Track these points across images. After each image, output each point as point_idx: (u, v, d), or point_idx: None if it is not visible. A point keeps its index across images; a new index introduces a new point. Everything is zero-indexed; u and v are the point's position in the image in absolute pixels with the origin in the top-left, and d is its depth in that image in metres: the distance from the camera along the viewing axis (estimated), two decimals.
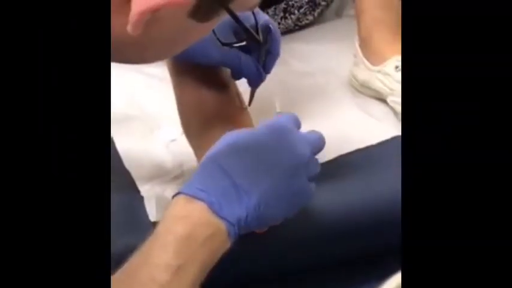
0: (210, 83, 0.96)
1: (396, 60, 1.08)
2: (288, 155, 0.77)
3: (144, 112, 1.13)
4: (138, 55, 0.72)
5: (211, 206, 0.72)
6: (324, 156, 0.98)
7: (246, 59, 0.93)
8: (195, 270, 0.71)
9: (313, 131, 0.82)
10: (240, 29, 0.83)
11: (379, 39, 1.11)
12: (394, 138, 1.00)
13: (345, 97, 1.14)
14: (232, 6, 0.67)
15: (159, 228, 0.72)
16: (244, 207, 0.73)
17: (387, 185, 0.87)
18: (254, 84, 0.96)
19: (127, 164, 1.01)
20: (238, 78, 0.97)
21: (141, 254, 0.71)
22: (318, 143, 0.81)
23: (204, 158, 0.78)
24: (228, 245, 0.74)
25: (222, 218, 0.72)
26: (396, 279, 0.60)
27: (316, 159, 0.80)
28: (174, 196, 0.75)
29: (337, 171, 0.93)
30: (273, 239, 0.83)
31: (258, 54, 0.94)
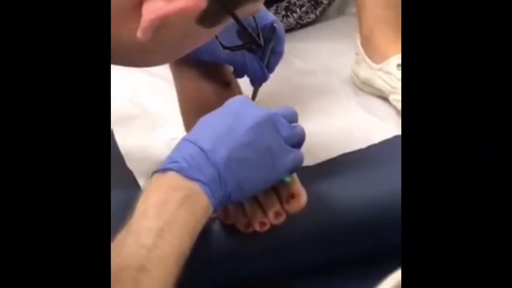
0: (212, 81, 0.96)
1: (398, 58, 1.08)
2: (251, 114, 0.79)
3: (146, 110, 1.13)
4: (145, 59, 0.74)
5: (181, 171, 0.74)
6: (326, 154, 0.98)
7: (250, 58, 0.94)
8: (179, 232, 0.72)
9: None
10: (242, 31, 0.83)
11: (380, 37, 1.11)
12: (396, 137, 1.00)
13: (347, 95, 1.14)
14: (237, 12, 0.70)
15: (138, 201, 0.74)
16: (212, 166, 0.75)
17: (389, 183, 0.86)
18: (257, 82, 0.97)
19: (128, 162, 1.01)
20: (241, 76, 0.98)
21: (124, 229, 0.72)
22: (288, 110, 0.83)
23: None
24: (208, 205, 0.75)
25: (193, 179, 0.74)
26: (395, 277, 0.60)
27: (293, 126, 0.82)
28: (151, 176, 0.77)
29: (338, 170, 0.93)
30: (273, 238, 0.83)
31: (262, 53, 0.95)
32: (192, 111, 0.97)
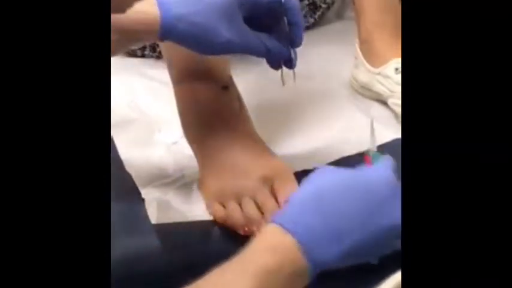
0: (210, 85, 0.96)
1: (396, 62, 1.08)
2: (387, 217, 0.70)
3: (144, 114, 1.13)
4: None
5: (303, 245, 0.68)
6: (325, 158, 0.98)
7: (269, 41, 0.88)
8: None
9: None
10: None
11: (379, 41, 1.11)
12: (394, 140, 1.01)
13: (346, 99, 1.14)
14: None
15: (245, 252, 0.68)
16: (332, 256, 0.69)
17: None
18: (287, 62, 0.90)
19: (128, 166, 1.01)
20: (274, 63, 0.91)
21: (217, 273, 0.66)
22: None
23: (305, 184, 0.73)
24: (305, 284, 0.69)
25: (308, 260, 0.68)
26: (395, 278, 0.60)
27: None
28: (267, 223, 0.71)
29: None
30: None
31: (278, 32, 0.89)
32: (191, 115, 0.97)
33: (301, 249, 0.67)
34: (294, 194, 0.71)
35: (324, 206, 0.69)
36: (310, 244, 0.67)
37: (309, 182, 0.72)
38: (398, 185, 0.71)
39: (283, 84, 0.92)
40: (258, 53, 0.88)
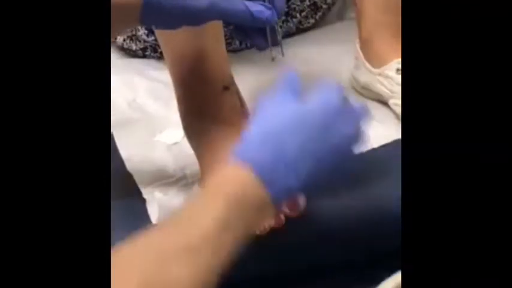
0: (211, 85, 0.96)
1: (397, 62, 1.08)
2: (339, 134, 0.75)
3: (146, 115, 1.13)
4: None
5: (262, 177, 0.71)
6: None
7: (251, 5, 0.84)
8: (241, 230, 0.70)
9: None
10: None
11: (380, 41, 1.11)
12: (395, 141, 1.01)
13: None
14: None
15: (209, 183, 0.72)
16: (291, 184, 0.72)
17: (389, 188, 0.87)
18: (267, 23, 0.85)
19: (129, 167, 1.01)
20: (257, 29, 0.87)
21: (187, 207, 0.70)
22: (363, 115, 0.80)
23: (251, 125, 0.76)
24: (272, 213, 0.74)
25: (269, 192, 0.71)
26: (396, 278, 0.61)
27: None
28: (226, 159, 0.74)
29: None
30: (272, 241, 0.84)
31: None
32: (192, 115, 0.97)
33: (260, 181, 0.71)
34: (244, 134, 0.75)
35: (274, 139, 0.73)
36: (268, 176, 0.71)
37: (257, 121, 0.75)
38: (342, 104, 0.76)
39: (272, 59, 0.90)
40: (243, 17, 0.85)
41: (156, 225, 0.70)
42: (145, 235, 0.65)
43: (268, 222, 0.76)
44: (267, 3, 0.84)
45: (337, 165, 0.75)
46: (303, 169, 0.73)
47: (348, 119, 0.77)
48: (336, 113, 0.76)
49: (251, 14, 0.84)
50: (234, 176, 0.72)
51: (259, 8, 0.84)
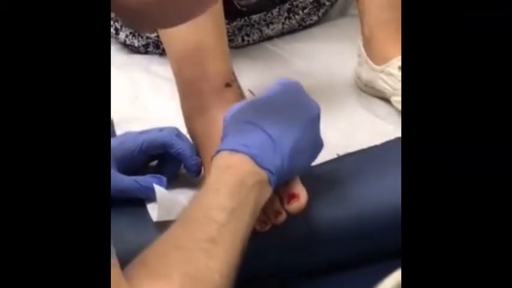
0: (213, 82, 0.96)
1: (399, 60, 1.08)
2: (306, 108, 0.83)
3: (149, 112, 1.13)
4: (161, 14, 0.69)
5: (254, 157, 0.77)
6: (327, 155, 0.98)
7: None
8: (247, 214, 0.75)
9: None
10: None
11: (382, 39, 1.11)
12: (397, 139, 1.00)
13: (349, 97, 1.14)
14: None
15: (209, 180, 0.77)
16: (279, 157, 0.78)
17: (390, 185, 0.87)
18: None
19: None
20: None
21: (193, 203, 0.76)
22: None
23: (226, 118, 0.83)
24: (269, 193, 0.79)
25: (263, 168, 0.77)
26: (395, 277, 0.60)
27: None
28: (214, 155, 0.79)
29: (340, 171, 0.94)
30: (273, 238, 0.84)
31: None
32: (193, 112, 0.97)
33: (254, 161, 0.77)
34: (225, 127, 0.82)
35: (253, 121, 0.80)
36: (260, 155, 0.77)
37: (228, 113, 0.83)
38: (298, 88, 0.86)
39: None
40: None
41: (175, 222, 0.75)
42: (170, 233, 0.72)
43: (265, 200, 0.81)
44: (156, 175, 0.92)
45: (311, 136, 0.83)
46: (286, 147, 0.79)
47: (304, 93, 0.85)
48: (297, 91, 0.85)
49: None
50: (231, 164, 0.77)
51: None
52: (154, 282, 0.67)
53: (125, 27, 1.27)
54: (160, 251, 0.70)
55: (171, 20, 0.72)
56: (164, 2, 0.67)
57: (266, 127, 0.79)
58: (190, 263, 0.69)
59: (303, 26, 1.33)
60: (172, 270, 0.68)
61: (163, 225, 0.88)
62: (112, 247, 0.63)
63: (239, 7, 1.21)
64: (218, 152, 0.79)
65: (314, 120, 0.84)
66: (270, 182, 0.78)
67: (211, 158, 0.80)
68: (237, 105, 0.84)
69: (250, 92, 0.99)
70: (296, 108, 0.83)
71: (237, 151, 0.78)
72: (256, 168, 0.77)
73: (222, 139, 0.81)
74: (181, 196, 0.94)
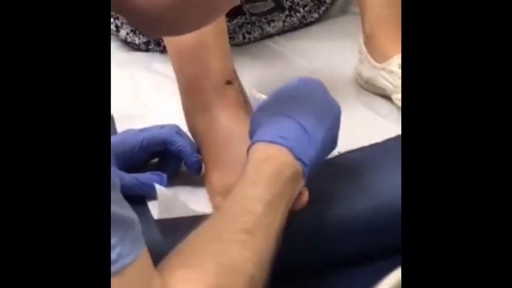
0: (214, 80, 0.96)
1: (400, 57, 1.08)
2: (331, 107, 0.86)
3: (150, 110, 1.13)
4: (176, 21, 0.69)
5: (291, 149, 0.79)
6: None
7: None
8: (283, 205, 0.76)
9: None
10: None
11: (383, 36, 1.11)
12: (398, 136, 1.00)
13: (350, 94, 1.14)
14: None
15: (247, 171, 0.78)
16: (313, 150, 0.81)
17: (390, 183, 0.87)
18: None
19: None
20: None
21: (232, 194, 0.76)
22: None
23: (256, 112, 0.85)
24: (302, 185, 0.81)
25: (299, 159, 0.79)
26: (395, 276, 0.60)
27: None
28: (250, 146, 0.81)
29: (340, 168, 0.94)
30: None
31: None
32: (194, 109, 0.97)
33: (291, 153, 0.78)
34: (255, 119, 0.83)
35: (288, 114, 0.81)
36: (297, 147, 0.79)
37: (259, 111, 0.85)
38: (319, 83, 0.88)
39: None
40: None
41: (213, 215, 0.76)
42: (207, 226, 0.72)
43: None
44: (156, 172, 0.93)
45: (333, 134, 0.85)
46: (318, 140, 0.81)
47: (328, 92, 0.87)
48: (322, 89, 0.87)
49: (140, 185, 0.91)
50: (269, 156, 0.78)
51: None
52: (188, 271, 0.67)
53: (126, 24, 1.27)
54: (196, 242, 0.71)
55: (188, 25, 0.71)
56: (183, 7, 0.66)
57: (300, 119, 0.81)
58: (226, 253, 0.69)
59: (303, 24, 1.33)
60: (206, 260, 0.68)
61: (163, 223, 0.88)
62: (140, 234, 0.63)
63: (249, 14, 1.20)
64: (254, 143, 0.80)
65: (337, 120, 0.86)
66: (303, 173, 0.79)
67: (247, 149, 0.81)
68: (268, 99, 0.86)
69: (255, 93, 0.99)
70: (323, 105, 0.85)
71: (274, 142, 0.79)
72: (293, 160, 0.78)
73: (253, 131, 0.82)
74: (182, 193, 0.94)
